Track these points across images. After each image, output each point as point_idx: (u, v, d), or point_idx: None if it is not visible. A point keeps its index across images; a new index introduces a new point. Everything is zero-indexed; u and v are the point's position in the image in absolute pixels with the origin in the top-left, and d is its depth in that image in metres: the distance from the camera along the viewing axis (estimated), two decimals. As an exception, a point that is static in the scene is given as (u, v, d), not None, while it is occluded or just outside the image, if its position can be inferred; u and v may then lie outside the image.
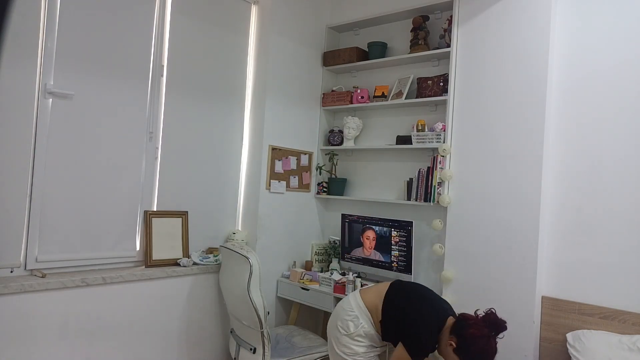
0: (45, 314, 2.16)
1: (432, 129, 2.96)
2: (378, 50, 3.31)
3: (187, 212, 2.83)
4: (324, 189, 3.50)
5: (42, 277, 2.19)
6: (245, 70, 3.23)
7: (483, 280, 2.66)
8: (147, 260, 2.61)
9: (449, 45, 2.90)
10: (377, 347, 2.18)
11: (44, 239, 2.27)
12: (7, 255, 2.16)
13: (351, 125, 3.39)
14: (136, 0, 2.57)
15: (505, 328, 1.83)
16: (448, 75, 2.89)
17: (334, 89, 3.57)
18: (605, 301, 2.37)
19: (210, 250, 2.92)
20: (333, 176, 3.49)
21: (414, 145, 3.01)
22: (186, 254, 2.78)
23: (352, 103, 3.37)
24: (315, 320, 3.49)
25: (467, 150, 2.78)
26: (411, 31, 3.15)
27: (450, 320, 1.98)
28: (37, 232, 2.25)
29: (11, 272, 2.18)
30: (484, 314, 1.90)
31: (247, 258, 2.45)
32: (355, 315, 2.15)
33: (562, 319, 2.46)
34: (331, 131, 3.54)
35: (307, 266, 3.35)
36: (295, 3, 3.34)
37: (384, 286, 2.23)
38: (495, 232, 2.63)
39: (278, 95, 3.23)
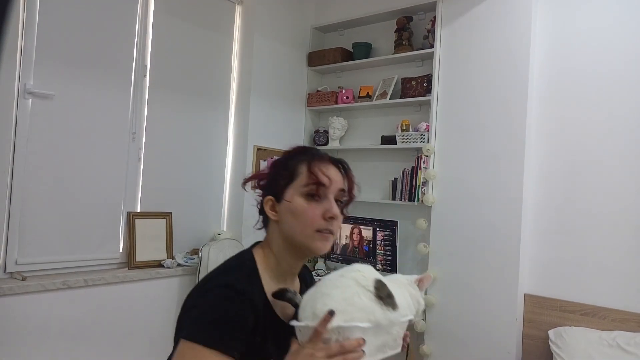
0: (25, 317, 2.12)
1: (416, 129, 2.98)
2: (362, 50, 3.33)
3: (171, 213, 2.81)
4: (310, 189, 3.50)
5: (22, 279, 2.15)
6: (230, 71, 3.21)
7: (466, 278, 2.68)
8: (131, 262, 2.58)
9: (432, 46, 2.92)
10: None
11: (24, 241, 2.24)
12: (-14, 258, 2.12)
13: (336, 126, 3.40)
14: (118, -1, 2.55)
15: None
16: (432, 76, 2.91)
17: (319, 89, 3.58)
18: (586, 298, 2.41)
19: (195, 252, 2.90)
20: (318, 176, 3.49)
21: (399, 145, 3.03)
22: (170, 255, 2.76)
23: (337, 103, 3.38)
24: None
25: (450, 150, 2.80)
26: (395, 32, 3.16)
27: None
28: (16, 234, 2.21)
29: (-10, 275, 2.14)
30: None
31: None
32: None
33: (544, 316, 2.50)
34: (316, 131, 3.54)
35: (293, 266, 3.35)
36: (280, 3, 3.33)
37: None
38: (478, 231, 2.66)
39: (263, 95, 3.22)
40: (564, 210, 2.51)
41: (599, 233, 2.39)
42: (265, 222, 1.06)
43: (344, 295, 0.86)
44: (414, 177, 2.91)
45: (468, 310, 2.66)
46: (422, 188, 2.87)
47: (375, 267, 3.04)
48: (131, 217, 2.62)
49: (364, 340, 0.82)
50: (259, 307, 0.92)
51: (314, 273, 3.15)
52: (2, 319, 2.06)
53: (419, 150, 2.93)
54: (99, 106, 2.48)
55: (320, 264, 3.30)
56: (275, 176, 1.04)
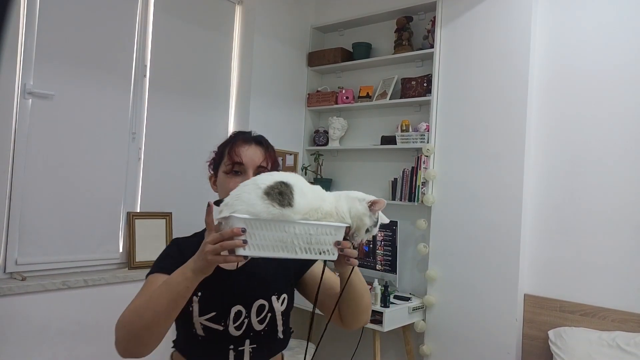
0: (25, 317, 2.12)
1: (416, 129, 2.98)
2: (362, 50, 3.33)
3: (171, 213, 2.81)
4: (310, 189, 3.50)
5: (22, 280, 2.15)
6: (230, 71, 3.21)
7: (467, 278, 2.68)
8: (131, 262, 2.58)
9: (432, 46, 2.92)
10: None
11: (24, 241, 2.24)
12: (-14, 258, 2.12)
13: (336, 126, 3.40)
14: (118, -1, 2.55)
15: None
16: (432, 76, 2.91)
17: (318, 89, 3.58)
18: (585, 299, 2.41)
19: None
20: (319, 176, 3.49)
21: (399, 145, 3.03)
22: (170, 255, 2.75)
23: (337, 103, 3.38)
24: (300, 321, 3.48)
25: (450, 150, 2.80)
26: (395, 32, 3.16)
27: None
28: (16, 234, 2.21)
29: (-10, 275, 2.14)
30: None
31: None
32: None
33: (543, 317, 2.50)
34: (316, 131, 3.54)
35: (293, 266, 3.35)
36: (280, 3, 3.34)
37: None
38: (478, 231, 2.66)
39: (263, 95, 3.22)
40: (564, 210, 2.51)
41: (599, 233, 2.39)
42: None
43: (237, 192, 0.97)
44: (414, 177, 2.91)
45: (468, 310, 2.67)
46: (422, 188, 2.87)
47: (375, 267, 3.05)
48: (131, 217, 2.62)
49: (242, 230, 0.89)
50: (185, 249, 1.23)
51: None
52: (2, 319, 2.06)
53: (419, 150, 2.93)
54: (99, 106, 2.48)
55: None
56: (214, 158, 1.34)
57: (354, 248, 1.04)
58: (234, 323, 1.17)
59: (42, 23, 2.25)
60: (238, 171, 1.23)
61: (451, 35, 2.84)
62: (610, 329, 2.28)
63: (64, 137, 2.35)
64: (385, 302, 2.63)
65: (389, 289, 2.67)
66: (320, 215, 1.00)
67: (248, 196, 0.94)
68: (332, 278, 1.24)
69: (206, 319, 1.16)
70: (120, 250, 2.61)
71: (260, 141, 1.31)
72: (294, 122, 3.48)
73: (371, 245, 3.06)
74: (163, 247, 2.81)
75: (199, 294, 1.16)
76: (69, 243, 2.39)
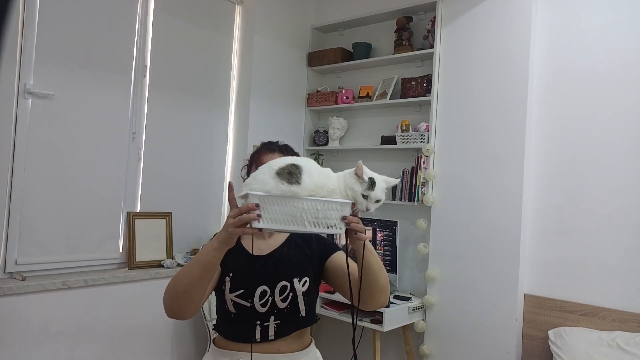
0: (25, 317, 2.13)
1: (416, 129, 2.98)
2: (362, 50, 3.33)
3: (171, 213, 2.81)
4: (310, 190, 3.50)
5: (22, 280, 2.15)
6: (230, 71, 3.21)
7: (466, 278, 2.68)
8: (130, 262, 2.58)
9: (432, 46, 2.92)
10: None
11: (24, 241, 2.24)
12: (-14, 258, 2.12)
13: (336, 126, 3.40)
14: (118, -1, 2.55)
15: None
16: (432, 76, 2.91)
17: (318, 89, 3.58)
18: (585, 298, 2.41)
19: (195, 252, 2.90)
20: (318, 176, 3.49)
21: (398, 145, 3.03)
22: (170, 255, 2.75)
23: (337, 103, 3.38)
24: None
25: (450, 150, 2.80)
26: (395, 32, 3.16)
27: None
28: (16, 234, 2.21)
29: (-10, 275, 2.14)
30: None
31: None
32: None
33: (543, 317, 2.50)
34: (316, 131, 3.54)
35: (293, 267, 3.35)
36: (280, 3, 3.34)
37: None
38: (478, 231, 2.66)
39: (263, 95, 3.22)
40: (564, 210, 2.51)
41: (599, 233, 2.39)
42: None
43: (254, 174, 1.11)
44: (414, 177, 2.91)
45: (468, 310, 2.67)
46: (422, 188, 2.87)
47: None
48: (131, 217, 2.62)
49: (256, 205, 1.03)
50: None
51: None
52: (2, 319, 2.06)
53: (419, 150, 2.93)
54: (99, 106, 2.48)
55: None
56: (247, 165, 1.50)
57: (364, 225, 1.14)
58: (259, 300, 1.32)
59: (41, 23, 2.25)
60: None
61: (451, 35, 2.84)
62: (610, 329, 2.28)
63: (64, 137, 2.36)
64: (385, 302, 2.62)
65: (389, 289, 2.67)
66: (325, 193, 1.11)
67: (262, 176, 1.08)
68: (353, 265, 1.32)
69: (235, 296, 1.33)
70: (120, 250, 2.61)
71: (283, 149, 1.46)
72: (294, 122, 3.48)
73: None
74: (163, 247, 2.84)
75: (231, 274, 1.34)
76: (69, 243, 2.39)
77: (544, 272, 2.54)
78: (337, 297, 2.78)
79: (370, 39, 3.38)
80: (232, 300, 1.33)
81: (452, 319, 2.73)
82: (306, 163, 1.14)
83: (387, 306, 2.62)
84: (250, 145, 3.12)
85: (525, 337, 2.55)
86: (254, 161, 1.45)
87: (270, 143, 1.49)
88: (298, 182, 1.06)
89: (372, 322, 2.63)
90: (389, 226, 2.97)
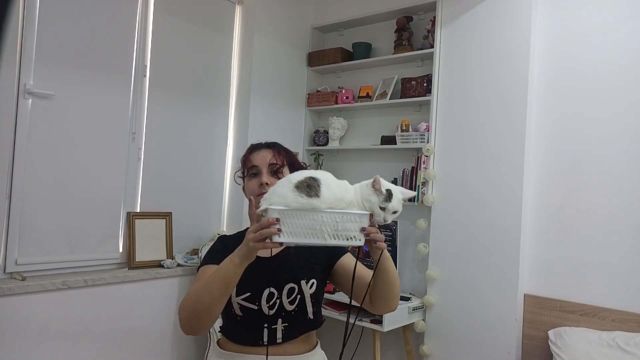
0: (25, 317, 2.13)
1: (416, 129, 2.98)
2: (362, 50, 3.33)
3: (171, 213, 2.81)
4: (310, 189, 3.50)
5: (22, 280, 2.15)
6: (230, 71, 3.21)
7: (466, 278, 2.68)
8: (130, 262, 2.58)
9: (432, 46, 2.92)
10: None
11: (24, 241, 2.24)
12: (-14, 258, 2.12)
13: (336, 126, 3.40)
14: (118, -1, 2.55)
15: None
16: (432, 76, 2.91)
17: (318, 89, 3.58)
18: (585, 298, 2.41)
19: (195, 252, 2.90)
20: (318, 176, 3.49)
21: (398, 145, 3.03)
22: (170, 255, 2.76)
23: (337, 103, 3.38)
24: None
25: (450, 150, 2.80)
26: (395, 32, 3.16)
27: None
28: (16, 234, 2.21)
29: (-10, 275, 2.14)
30: None
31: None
32: None
33: (543, 317, 2.50)
34: (316, 131, 3.54)
35: (293, 266, 3.35)
36: (280, 3, 3.33)
37: None
38: (478, 231, 2.66)
39: (263, 95, 3.22)
40: (564, 210, 2.51)
41: (599, 233, 2.39)
42: None
43: (273, 188, 1.12)
44: (414, 178, 2.91)
45: (468, 310, 2.67)
46: (422, 188, 2.87)
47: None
48: (131, 217, 2.62)
49: (276, 219, 1.03)
50: (229, 244, 1.35)
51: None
52: (2, 319, 2.06)
53: (419, 150, 2.93)
54: (99, 106, 2.48)
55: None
56: (241, 171, 1.48)
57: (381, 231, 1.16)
58: (267, 303, 1.31)
59: (42, 23, 2.25)
60: (255, 173, 1.40)
61: (451, 35, 2.84)
62: (610, 329, 2.28)
63: (64, 137, 2.36)
64: (385, 302, 2.62)
65: (389, 289, 2.67)
66: (344, 205, 1.11)
67: (281, 190, 1.08)
68: (363, 269, 1.34)
69: (242, 299, 1.31)
70: (120, 250, 2.61)
71: (269, 144, 1.47)
72: (294, 122, 3.48)
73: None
74: (163, 247, 2.84)
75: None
76: (69, 243, 2.39)
77: (544, 272, 2.54)
78: (337, 297, 2.78)
79: (370, 39, 3.38)
80: (238, 303, 1.32)
81: (452, 319, 2.73)
82: (323, 176, 1.13)
83: (387, 306, 2.62)
84: (250, 145, 3.12)
85: (525, 337, 2.55)
86: (244, 163, 1.44)
87: (257, 143, 1.50)
88: (317, 195, 1.07)
89: (372, 322, 2.63)
90: (389, 226, 2.97)
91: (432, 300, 2.78)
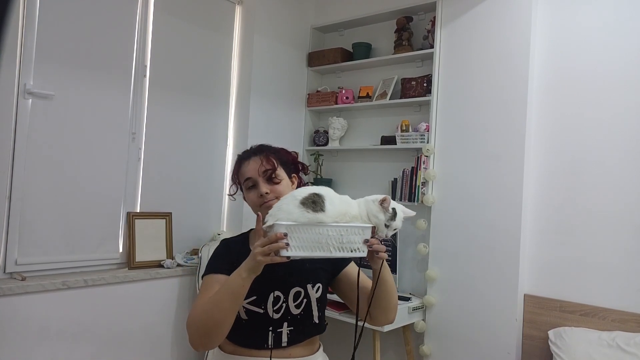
0: (25, 317, 2.13)
1: (416, 129, 2.98)
2: (362, 50, 3.33)
3: (171, 213, 2.81)
4: (309, 190, 3.50)
5: (21, 280, 2.15)
6: (230, 71, 3.21)
7: (466, 278, 2.68)
8: (130, 262, 2.58)
9: (432, 46, 2.92)
10: None
11: (24, 242, 2.24)
12: (-14, 258, 2.12)
13: (336, 126, 3.40)
14: (118, -1, 2.55)
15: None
16: (432, 76, 2.91)
17: (318, 89, 3.58)
18: (585, 299, 2.41)
19: (195, 252, 2.90)
20: (319, 177, 3.49)
21: (398, 145, 3.03)
22: (170, 255, 2.76)
23: (337, 103, 3.38)
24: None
25: (450, 150, 2.80)
26: (395, 32, 3.16)
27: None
28: (16, 234, 2.21)
29: (-10, 275, 2.14)
30: None
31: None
32: None
33: (543, 317, 2.50)
34: (316, 132, 3.54)
35: (293, 267, 3.35)
36: (280, 4, 3.33)
37: None
38: (478, 232, 2.66)
39: (263, 95, 3.22)
40: (564, 210, 2.51)
41: (599, 233, 2.39)
42: None
43: (278, 204, 1.17)
44: (414, 178, 2.91)
45: (468, 310, 2.66)
46: (422, 188, 2.87)
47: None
48: (131, 217, 2.62)
49: (284, 234, 1.07)
50: (233, 248, 1.38)
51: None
52: (2, 319, 2.06)
53: (419, 150, 2.93)
54: (99, 106, 2.48)
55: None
56: (235, 184, 1.48)
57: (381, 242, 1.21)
58: (273, 307, 1.31)
59: (42, 23, 2.25)
60: (252, 185, 1.39)
61: (451, 35, 2.84)
62: (610, 329, 2.28)
63: (63, 137, 2.35)
64: (385, 302, 2.63)
65: (389, 289, 2.67)
66: (348, 219, 1.16)
67: (287, 206, 1.13)
68: (365, 280, 1.38)
69: (248, 302, 1.31)
70: (120, 250, 2.61)
71: (255, 151, 1.45)
72: (294, 122, 3.48)
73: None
74: (163, 247, 2.84)
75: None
76: (69, 243, 2.39)
77: (544, 272, 2.54)
78: (337, 297, 2.77)
79: (370, 39, 3.38)
80: (244, 307, 1.31)
81: (452, 319, 2.73)
82: (326, 192, 1.19)
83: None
84: (250, 145, 3.11)
85: (525, 337, 2.55)
86: (238, 179, 1.44)
87: (243, 152, 1.48)
88: (322, 210, 1.12)
89: (365, 322, 2.63)
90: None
91: (432, 300, 2.78)
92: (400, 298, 2.81)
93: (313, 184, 3.49)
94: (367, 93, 3.28)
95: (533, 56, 2.59)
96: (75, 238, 2.41)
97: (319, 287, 1.39)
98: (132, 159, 2.64)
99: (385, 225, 1.19)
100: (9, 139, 2.17)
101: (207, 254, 2.70)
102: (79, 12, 2.39)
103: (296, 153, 1.61)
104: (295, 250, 1.08)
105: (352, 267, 1.45)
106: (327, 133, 3.46)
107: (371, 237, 1.17)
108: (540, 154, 2.60)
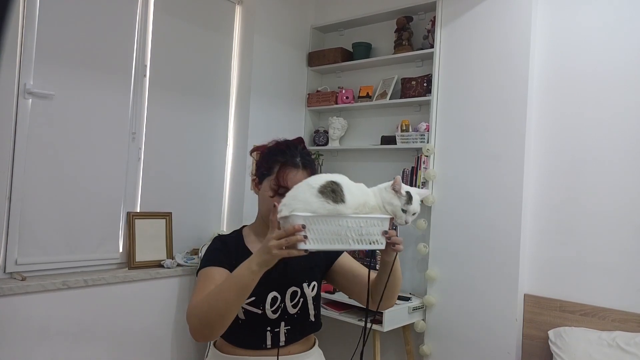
0: (25, 317, 2.12)
1: (416, 129, 2.98)
2: (362, 50, 3.33)
3: (171, 213, 2.81)
4: (310, 189, 3.50)
5: (22, 280, 2.15)
6: (230, 71, 3.21)
7: (466, 278, 2.68)
8: (130, 262, 2.58)
9: (432, 46, 2.92)
10: None
11: (24, 241, 2.24)
12: (-14, 258, 2.12)
13: (336, 126, 3.40)
14: (118, -1, 2.55)
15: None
16: (432, 76, 2.91)
17: (318, 89, 3.58)
18: (585, 298, 2.41)
19: (195, 252, 2.90)
20: (318, 176, 3.49)
21: (399, 145, 3.03)
22: (170, 255, 2.76)
23: (337, 103, 3.38)
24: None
25: (450, 150, 2.80)
26: (395, 32, 3.16)
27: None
28: (16, 234, 2.21)
29: (-10, 275, 2.14)
30: None
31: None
32: None
33: (543, 317, 2.50)
34: (316, 131, 3.54)
35: (293, 266, 3.35)
36: (280, 4, 3.33)
37: None
38: (478, 231, 2.66)
39: (263, 95, 3.22)
40: (564, 210, 2.51)
41: (599, 233, 2.39)
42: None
43: (293, 193, 1.09)
44: (414, 177, 2.91)
45: (468, 310, 2.66)
46: (422, 188, 2.87)
47: (375, 267, 3.04)
48: (131, 217, 2.62)
49: (302, 226, 1.01)
50: (229, 244, 1.39)
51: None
52: (2, 319, 2.06)
53: (419, 150, 2.93)
54: (99, 106, 2.48)
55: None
56: (260, 164, 1.43)
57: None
58: (270, 307, 1.32)
59: (42, 23, 2.25)
60: (282, 193, 1.30)
61: (451, 35, 2.84)
62: (610, 329, 2.28)
63: (64, 137, 2.35)
64: (385, 302, 2.62)
65: (389, 289, 2.67)
66: (367, 210, 1.12)
67: (304, 195, 1.06)
68: (360, 268, 1.40)
69: (247, 303, 1.31)
70: (120, 250, 2.61)
71: (307, 165, 1.42)
72: (294, 122, 3.48)
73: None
74: (163, 247, 2.84)
75: None
76: (69, 243, 2.39)
77: (544, 272, 2.54)
78: (337, 297, 2.78)
79: (370, 39, 3.38)
80: (243, 307, 1.30)
81: (452, 319, 2.73)
82: (343, 180, 1.13)
83: (387, 306, 2.62)
84: (250, 145, 3.12)
85: (525, 337, 2.55)
86: (277, 176, 1.35)
87: (294, 156, 1.41)
88: (343, 200, 1.07)
89: (372, 322, 2.63)
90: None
91: (432, 300, 2.78)
92: (401, 298, 2.81)
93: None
94: (367, 93, 3.28)
95: (533, 56, 2.59)
96: (75, 238, 2.41)
97: (314, 285, 1.40)
98: (132, 159, 2.64)
99: (403, 210, 1.14)
100: (9, 139, 2.17)
101: (207, 254, 2.71)
102: (79, 12, 2.39)
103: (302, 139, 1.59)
104: (313, 242, 1.03)
105: (345, 257, 1.47)
106: (327, 133, 3.46)
107: (390, 229, 1.15)
108: (540, 154, 2.60)
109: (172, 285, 2.71)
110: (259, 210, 1.45)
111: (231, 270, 1.22)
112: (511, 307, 2.52)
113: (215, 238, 1.45)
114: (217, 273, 1.27)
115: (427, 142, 2.89)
